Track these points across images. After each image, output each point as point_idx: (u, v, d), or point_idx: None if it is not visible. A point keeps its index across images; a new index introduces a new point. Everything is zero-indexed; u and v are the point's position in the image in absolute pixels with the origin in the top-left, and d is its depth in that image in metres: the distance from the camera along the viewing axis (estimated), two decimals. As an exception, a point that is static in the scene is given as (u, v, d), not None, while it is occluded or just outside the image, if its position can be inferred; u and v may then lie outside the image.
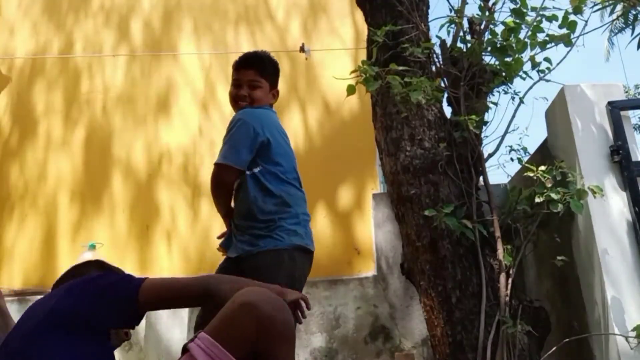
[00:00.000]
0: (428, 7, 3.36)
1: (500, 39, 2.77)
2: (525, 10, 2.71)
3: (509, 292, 2.60)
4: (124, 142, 4.92)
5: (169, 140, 4.89)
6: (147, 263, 4.51)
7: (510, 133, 2.92)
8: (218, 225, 4.75)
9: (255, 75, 2.30)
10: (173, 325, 3.56)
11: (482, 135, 2.94)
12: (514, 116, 2.93)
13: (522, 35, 2.77)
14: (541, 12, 2.74)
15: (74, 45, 5.31)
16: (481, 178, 2.90)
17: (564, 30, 2.73)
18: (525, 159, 3.19)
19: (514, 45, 2.74)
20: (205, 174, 4.75)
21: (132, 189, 4.76)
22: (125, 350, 3.63)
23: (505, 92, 2.99)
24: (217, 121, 4.92)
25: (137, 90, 5.08)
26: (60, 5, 5.45)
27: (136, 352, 3.61)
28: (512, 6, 2.75)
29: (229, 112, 4.90)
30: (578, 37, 2.76)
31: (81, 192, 4.79)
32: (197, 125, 4.93)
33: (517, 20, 2.71)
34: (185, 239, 4.56)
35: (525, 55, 2.80)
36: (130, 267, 4.47)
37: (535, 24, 2.75)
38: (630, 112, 3.03)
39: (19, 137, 5.03)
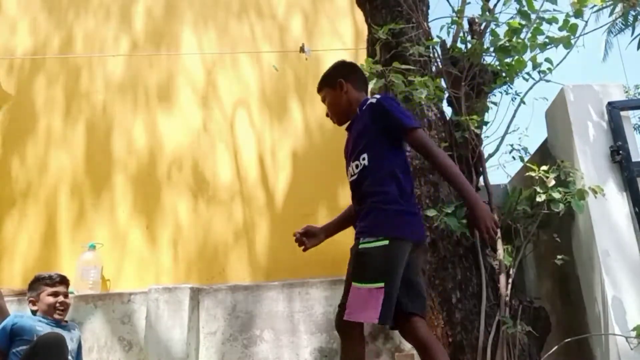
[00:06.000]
0: (428, 8, 3.37)
1: (503, 39, 2.77)
2: (529, 12, 2.72)
3: (509, 292, 2.60)
4: (125, 141, 4.92)
5: (171, 138, 4.89)
6: (148, 262, 4.51)
7: (510, 133, 2.93)
8: (219, 224, 4.77)
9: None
10: (173, 326, 3.55)
11: (483, 135, 2.94)
12: (514, 116, 2.93)
13: (522, 36, 2.77)
14: (541, 14, 2.75)
15: (75, 42, 5.30)
16: (481, 178, 2.90)
17: (564, 33, 2.73)
18: (526, 159, 3.20)
19: (516, 45, 2.74)
20: (207, 172, 4.76)
21: (133, 188, 4.76)
22: (125, 350, 3.63)
23: (507, 93, 3.00)
24: (218, 119, 4.92)
25: (138, 87, 5.08)
26: (61, 1, 5.45)
27: (136, 352, 3.60)
28: (515, 7, 2.76)
29: (230, 109, 4.95)
30: (578, 37, 2.76)
31: (81, 193, 4.78)
32: (198, 123, 4.93)
33: (523, 22, 2.71)
34: (187, 238, 4.56)
35: (526, 56, 2.80)
36: (131, 266, 4.48)
37: (535, 25, 2.75)
38: (630, 112, 3.03)
39: (20, 137, 5.03)
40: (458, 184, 1.89)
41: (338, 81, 2.24)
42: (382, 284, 1.83)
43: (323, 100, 2.32)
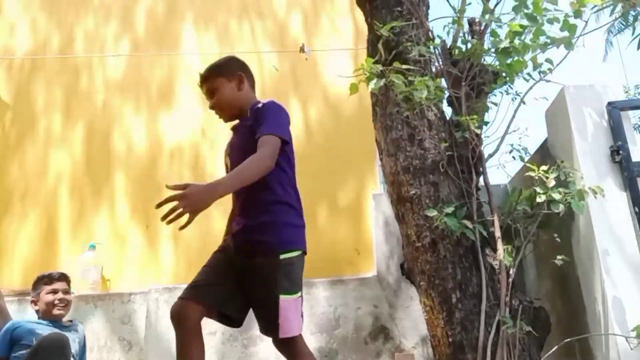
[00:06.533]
0: (428, 8, 3.37)
1: (504, 40, 2.77)
2: (536, 16, 2.71)
3: (509, 292, 2.60)
4: (125, 141, 4.92)
5: (171, 138, 4.89)
6: (148, 262, 4.51)
7: (510, 134, 2.93)
8: (219, 223, 4.75)
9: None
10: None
11: (483, 135, 2.94)
12: (514, 116, 2.93)
13: (523, 37, 2.77)
14: (542, 15, 2.74)
15: (75, 42, 5.30)
16: (481, 178, 2.90)
17: (565, 33, 2.73)
18: (526, 159, 3.20)
19: (517, 47, 2.74)
20: (208, 172, 4.76)
21: (133, 188, 4.76)
22: (125, 350, 3.62)
23: (507, 93, 2.99)
24: (219, 118, 4.92)
25: (138, 87, 5.08)
26: (61, 1, 5.45)
27: (136, 352, 3.60)
28: (515, 7, 2.75)
29: (229, 112, 4.94)
30: (578, 38, 2.76)
31: (81, 193, 4.79)
32: (198, 123, 4.92)
33: (529, 24, 2.70)
34: (187, 238, 4.56)
35: (527, 56, 2.80)
36: (131, 266, 4.47)
37: (537, 26, 2.75)
38: (630, 112, 3.03)
39: (20, 137, 5.03)
40: (229, 175, 1.85)
41: (238, 74, 2.07)
42: (300, 294, 1.96)
43: (210, 92, 2.11)
